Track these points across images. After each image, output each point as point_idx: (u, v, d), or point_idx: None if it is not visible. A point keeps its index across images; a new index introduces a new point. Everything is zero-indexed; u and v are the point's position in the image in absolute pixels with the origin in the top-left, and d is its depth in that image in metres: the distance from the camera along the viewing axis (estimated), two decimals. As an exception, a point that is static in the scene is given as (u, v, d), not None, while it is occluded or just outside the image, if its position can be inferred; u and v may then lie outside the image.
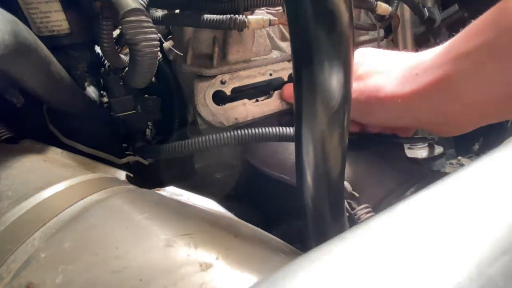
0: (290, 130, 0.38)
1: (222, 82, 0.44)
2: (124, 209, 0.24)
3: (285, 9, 0.46)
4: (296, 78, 0.23)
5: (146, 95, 0.47)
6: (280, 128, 0.38)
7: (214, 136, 0.38)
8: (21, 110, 0.35)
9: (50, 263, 0.20)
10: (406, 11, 0.65)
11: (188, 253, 0.20)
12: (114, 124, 0.45)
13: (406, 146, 0.55)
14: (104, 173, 0.33)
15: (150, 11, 0.45)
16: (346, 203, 0.38)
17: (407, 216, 0.15)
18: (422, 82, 0.31)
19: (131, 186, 0.30)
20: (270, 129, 0.38)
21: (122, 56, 0.43)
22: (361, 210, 0.38)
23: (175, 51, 0.48)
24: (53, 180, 0.26)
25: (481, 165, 0.17)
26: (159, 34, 0.40)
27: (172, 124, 0.54)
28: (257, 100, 0.47)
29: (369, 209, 0.39)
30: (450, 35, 0.36)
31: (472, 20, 0.29)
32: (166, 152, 0.41)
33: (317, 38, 0.20)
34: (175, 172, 0.52)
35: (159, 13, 0.44)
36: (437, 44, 0.33)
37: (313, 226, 0.27)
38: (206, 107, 0.44)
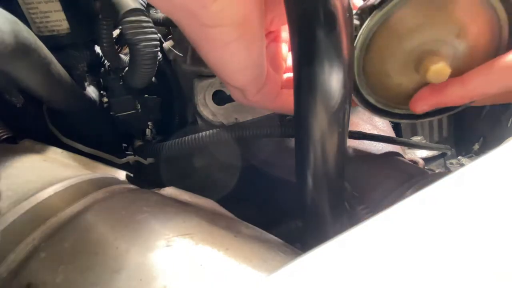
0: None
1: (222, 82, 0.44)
2: (124, 209, 0.24)
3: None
4: (296, 78, 0.23)
5: (146, 95, 0.47)
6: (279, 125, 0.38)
7: (213, 132, 0.38)
8: (21, 110, 0.35)
9: (50, 263, 0.20)
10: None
11: (188, 253, 0.20)
12: (114, 124, 0.45)
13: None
14: (104, 173, 0.33)
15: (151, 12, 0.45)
16: (346, 203, 0.38)
17: (407, 216, 0.15)
18: None
19: (131, 186, 0.30)
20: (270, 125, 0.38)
21: (122, 56, 0.43)
22: (361, 210, 0.38)
23: (175, 51, 0.48)
24: (53, 180, 0.26)
25: (481, 165, 0.17)
26: (159, 34, 0.40)
27: (172, 124, 0.54)
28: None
29: (369, 209, 0.39)
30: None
31: None
32: (166, 150, 0.41)
33: (317, 38, 0.20)
34: (175, 172, 0.52)
35: (159, 14, 0.44)
36: None
37: (313, 226, 0.27)
38: (206, 107, 0.44)
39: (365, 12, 0.27)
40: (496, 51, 0.27)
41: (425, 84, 0.28)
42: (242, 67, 0.25)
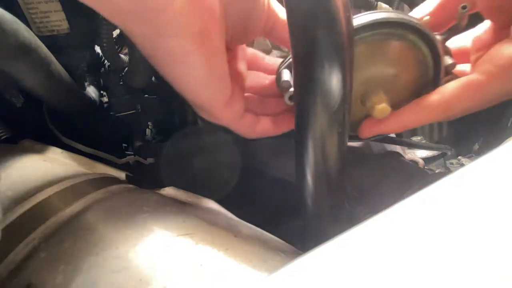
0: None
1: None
2: (124, 209, 0.24)
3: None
4: (296, 78, 0.23)
5: (146, 95, 0.47)
6: None
7: (213, 132, 0.38)
8: (21, 110, 0.35)
9: (50, 263, 0.20)
10: (407, 11, 0.65)
11: (188, 253, 0.20)
12: (114, 124, 0.45)
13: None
14: (104, 173, 0.33)
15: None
16: (346, 203, 0.38)
17: (407, 216, 0.15)
18: None
19: (131, 186, 0.30)
20: None
21: (122, 56, 0.43)
22: (361, 210, 0.38)
23: None
24: (53, 180, 0.26)
25: (481, 165, 0.17)
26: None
27: (172, 124, 0.54)
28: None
29: (369, 209, 0.39)
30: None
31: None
32: (166, 150, 0.41)
33: (317, 38, 0.20)
34: (175, 172, 0.52)
35: None
36: None
37: (313, 226, 0.27)
38: (206, 107, 0.44)
39: None
40: (425, 87, 0.31)
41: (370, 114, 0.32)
42: (202, 82, 0.23)
